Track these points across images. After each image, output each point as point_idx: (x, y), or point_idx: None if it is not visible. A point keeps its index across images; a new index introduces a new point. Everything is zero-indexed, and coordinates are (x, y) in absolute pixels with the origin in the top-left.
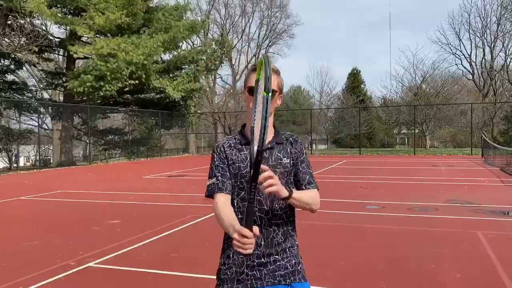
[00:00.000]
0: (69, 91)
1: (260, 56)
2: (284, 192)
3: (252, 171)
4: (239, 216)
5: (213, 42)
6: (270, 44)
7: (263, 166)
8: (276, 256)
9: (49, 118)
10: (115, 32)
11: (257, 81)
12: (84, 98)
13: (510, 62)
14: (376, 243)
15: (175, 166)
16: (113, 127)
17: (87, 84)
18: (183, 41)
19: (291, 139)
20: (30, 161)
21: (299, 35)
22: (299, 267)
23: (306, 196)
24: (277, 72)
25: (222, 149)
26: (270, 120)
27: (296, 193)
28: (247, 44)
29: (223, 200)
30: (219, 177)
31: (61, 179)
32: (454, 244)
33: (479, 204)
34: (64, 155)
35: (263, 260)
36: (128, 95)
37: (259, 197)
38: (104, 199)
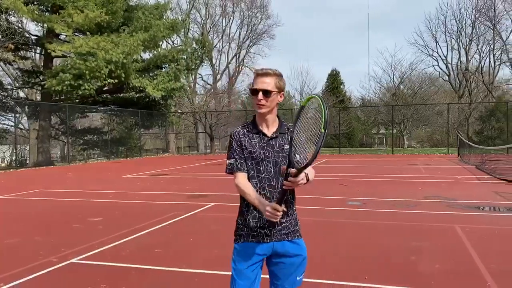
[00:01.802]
0: (46, 90)
1: (313, 94)
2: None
3: (289, 171)
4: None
5: (194, 42)
6: (250, 44)
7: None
8: (282, 219)
9: (26, 118)
10: (94, 31)
11: (302, 107)
12: (62, 97)
13: (484, 64)
14: (359, 237)
15: (156, 165)
16: (91, 126)
17: (66, 82)
18: (163, 40)
19: (292, 129)
20: (6, 162)
21: (280, 35)
22: (297, 227)
23: (312, 176)
24: (275, 74)
25: (238, 136)
26: (274, 112)
27: (310, 178)
28: (228, 44)
29: (244, 179)
30: (237, 159)
31: (39, 179)
32: (434, 237)
33: (456, 200)
34: (42, 155)
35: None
36: (107, 94)
37: (268, 176)
38: (85, 198)
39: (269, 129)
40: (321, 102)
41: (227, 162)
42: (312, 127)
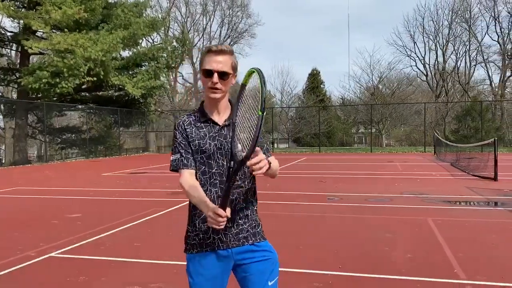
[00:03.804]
0: (23, 88)
1: (253, 68)
2: (267, 167)
3: (233, 165)
4: (203, 189)
5: (174, 40)
6: (231, 43)
7: (254, 159)
8: (239, 221)
9: (1, 116)
10: (72, 27)
11: (244, 85)
12: (39, 95)
13: (460, 64)
14: (335, 229)
15: (136, 164)
16: (70, 125)
17: (43, 80)
18: (143, 38)
19: (235, 113)
20: None
21: (261, 35)
22: (258, 229)
23: (275, 165)
24: (231, 52)
25: (183, 126)
26: (227, 96)
27: (272, 163)
28: (209, 42)
29: (190, 177)
30: (183, 153)
31: (16, 177)
32: (406, 229)
33: (430, 195)
34: (18, 154)
35: (228, 225)
36: (85, 92)
37: (219, 171)
38: (63, 195)
39: (220, 117)
40: (259, 77)
41: (171, 158)
42: (253, 110)
